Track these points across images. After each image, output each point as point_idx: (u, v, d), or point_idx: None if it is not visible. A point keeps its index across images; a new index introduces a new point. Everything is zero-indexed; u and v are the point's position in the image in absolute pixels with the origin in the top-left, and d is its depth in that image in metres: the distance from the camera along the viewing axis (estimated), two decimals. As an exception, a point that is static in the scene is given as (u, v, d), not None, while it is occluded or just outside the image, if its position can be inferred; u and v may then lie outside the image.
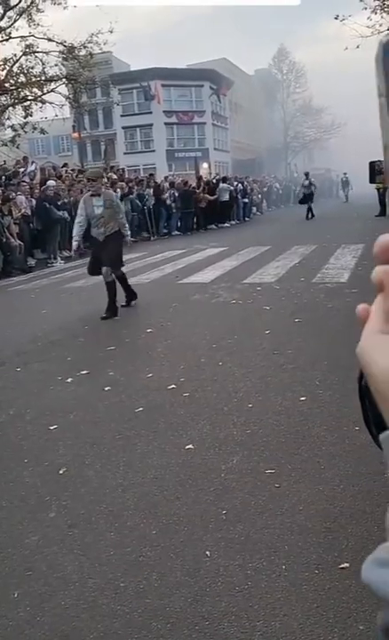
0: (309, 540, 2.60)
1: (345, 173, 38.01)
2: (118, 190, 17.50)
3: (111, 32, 20.82)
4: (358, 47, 18.33)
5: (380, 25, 17.67)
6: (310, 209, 22.63)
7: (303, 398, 4.27)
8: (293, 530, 2.69)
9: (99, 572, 2.49)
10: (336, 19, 18.38)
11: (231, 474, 3.27)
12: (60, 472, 3.43)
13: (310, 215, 22.47)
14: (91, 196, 7.38)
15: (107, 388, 4.80)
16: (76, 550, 2.65)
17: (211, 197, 21.44)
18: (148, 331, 6.59)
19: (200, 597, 2.29)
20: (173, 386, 4.72)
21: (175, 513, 2.89)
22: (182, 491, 3.12)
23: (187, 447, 3.64)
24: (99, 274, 7.57)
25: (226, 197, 22.98)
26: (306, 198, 22.72)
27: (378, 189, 19.47)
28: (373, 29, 17.82)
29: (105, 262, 7.41)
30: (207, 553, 2.55)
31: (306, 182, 22.99)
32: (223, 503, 2.97)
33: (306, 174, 23.88)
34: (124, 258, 7.93)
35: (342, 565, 2.40)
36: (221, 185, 23.10)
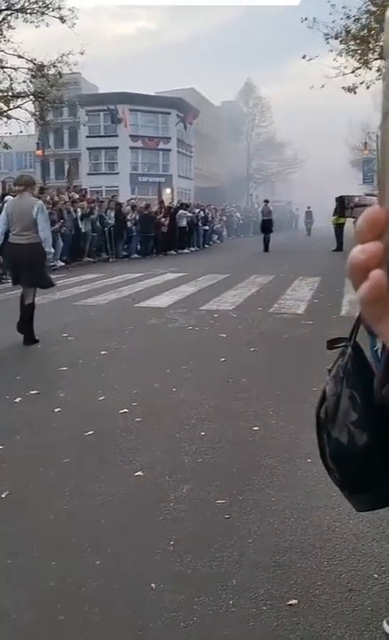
0: (258, 575, 2.54)
1: (308, 207, 39.14)
2: (78, 210, 17.44)
3: (82, 53, 20.93)
4: (323, 87, 18.91)
5: (345, 67, 18.31)
6: (267, 241, 22.26)
7: (256, 428, 4.24)
8: (242, 563, 2.63)
9: (38, 604, 2.36)
10: (303, 58, 18.93)
11: (180, 503, 3.20)
12: (2, 496, 3.28)
13: (267, 247, 22.34)
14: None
15: (56, 410, 4.67)
16: (15, 581, 2.52)
17: (166, 222, 21.48)
18: (102, 353, 6.49)
19: (143, 633, 2.19)
20: (125, 410, 4.63)
21: (121, 543, 2.79)
22: (129, 519, 3.03)
23: (137, 474, 3.54)
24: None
25: (184, 224, 23.10)
26: (266, 225, 22.46)
27: (335, 225, 19.96)
28: (338, 71, 18.44)
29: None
30: (152, 585, 2.46)
31: (266, 209, 22.98)
32: (171, 533, 2.88)
33: (266, 201, 24.05)
34: (83, 278, 7.83)
35: (290, 602, 2.34)
36: (180, 211, 23.25)
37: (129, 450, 3.90)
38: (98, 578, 2.51)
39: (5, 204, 6.80)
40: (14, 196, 8.01)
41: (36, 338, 6.92)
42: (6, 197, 14.83)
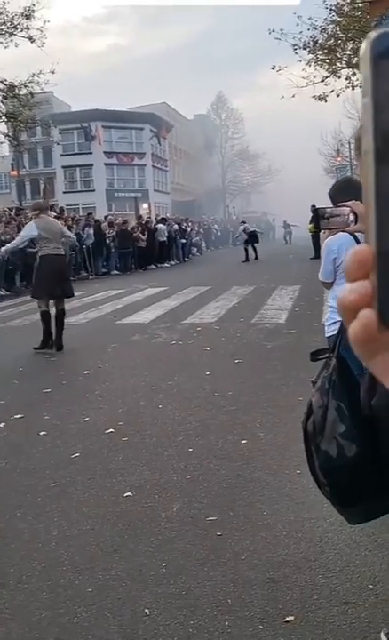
0: (252, 593, 2.50)
1: (285, 221, 40.14)
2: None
3: (53, 72, 20.95)
4: (294, 96, 19.13)
5: (314, 77, 18.55)
6: (254, 249, 22.86)
7: (244, 441, 4.22)
8: (236, 582, 2.59)
9: (29, 637, 2.30)
10: (272, 69, 19.15)
11: (171, 522, 3.16)
12: (-10, 525, 3.22)
13: (247, 258, 22.69)
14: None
15: (42, 433, 4.61)
16: (4, 614, 2.45)
17: (143, 237, 21.54)
18: (86, 373, 6.43)
19: (139, 661, 2.15)
20: (111, 430, 4.58)
21: (112, 567, 2.75)
22: (120, 542, 2.98)
23: (126, 495, 3.50)
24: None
25: (164, 238, 23.19)
26: (252, 239, 23.00)
27: (312, 233, 20.13)
28: (308, 80, 18.68)
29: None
30: (146, 611, 2.41)
31: (243, 228, 23.69)
32: (163, 555, 2.84)
33: (243, 222, 24.92)
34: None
35: (287, 619, 2.31)
36: (159, 226, 23.34)
37: (117, 470, 3.85)
38: (90, 606, 2.46)
39: (34, 224, 7.48)
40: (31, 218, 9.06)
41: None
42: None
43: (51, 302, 7.64)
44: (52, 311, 7.60)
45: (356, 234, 3.01)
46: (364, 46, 0.34)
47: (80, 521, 3.21)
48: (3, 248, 8.92)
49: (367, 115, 0.33)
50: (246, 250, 22.95)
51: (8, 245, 8.57)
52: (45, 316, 7.57)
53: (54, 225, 7.73)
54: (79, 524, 3.17)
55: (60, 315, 7.64)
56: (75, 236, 8.26)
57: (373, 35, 0.33)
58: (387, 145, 0.33)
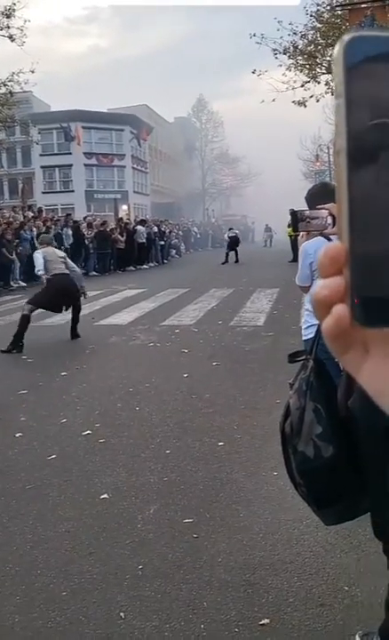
0: (228, 595, 2.50)
1: (267, 224, 40.76)
2: (34, 229, 17.27)
3: (32, 72, 20.82)
4: (274, 101, 19.24)
5: (294, 82, 18.67)
6: (235, 253, 23.29)
7: (221, 443, 4.22)
8: (212, 584, 2.59)
9: (3, 641, 2.28)
10: (253, 73, 19.23)
11: (148, 524, 3.14)
12: (-37, 528, 3.17)
13: (226, 260, 22.95)
14: None
15: (18, 435, 4.56)
16: (-22, 617, 2.42)
17: (122, 238, 21.52)
18: (63, 374, 6.38)
19: (113, 665, 2.13)
20: (88, 432, 4.55)
21: (88, 570, 2.72)
22: (96, 545, 2.96)
23: (102, 497, 3.48)
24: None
25: (143, 239, 23.18)
26: (233, 243, 23.49)
27: (290, 236, 20.26)
28: (288, 85, 18.79)
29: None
30: (121, 614, 2.39)
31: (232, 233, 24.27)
32: (139, 557, 2.83)
33: (230, 229, 25.61)
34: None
35: (262, 622, 2.31)
36: (138, 227, 23.31)
37: (93, 472, 3.82)
38: (65, 610, 2.43)
39: (40, 252, 8.43)
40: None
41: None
42: None
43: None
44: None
45: (333, 237, 3.03)
46: (337, 48, 0.34)
47: (55, 523, 3.18)
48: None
49: (340, 115, 0.34)
50: (227, 253, 23.17)
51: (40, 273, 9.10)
52: (24, 320, 7.76)
53: (53, 251, 8.54)
54: (54, 527, 3.14)
55: (75, 312, 8.38)
56: (79, 270, 8.90)
57: (346, 37, 0.34)
58: (359, 144, 0.33)
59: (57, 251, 8.74)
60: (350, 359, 0.38)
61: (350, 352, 0.37)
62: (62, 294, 8.12)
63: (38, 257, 8.36)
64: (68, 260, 8.55)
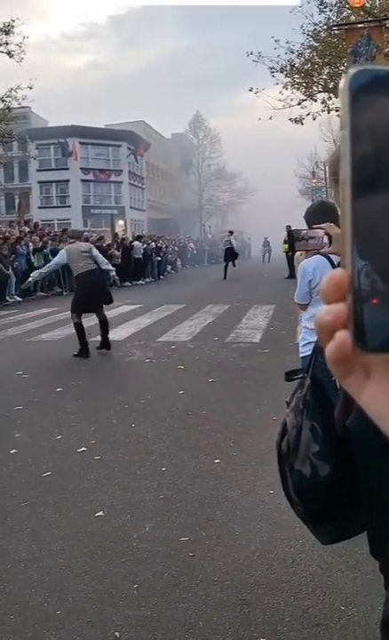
0: (224, 615, 2.48)
1: (266, 237, 40.93)
2: (30, 244, 17.32)
3: (31, 88, 21.02)
4: (270, 118, 19.42)
5: (291, 100, 18.87)
6: (233, 263, 22.98)
7: (217, 460, 4.21)
8: (208, 603, 2.57)
9: (-3, 661, 2.25)
10: (250, 91, 19.43)
11: (143, 542, 3.13)
12: None
13: (225, 277, 22.76)
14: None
15: (12, 451, 4.54)
16: (-29, 637, 2.40)
17: (119, 254, 21.55)
18: (58, 390, 6.37)
19: None
20: (83, 449, 4.53)
21: (82, 589, 2.70)
22: (91, 563, 2.94)
23: (97, 514, 3.46)
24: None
25: (139, 255, 23.25)
26: (230, 256, 23.09)
27: (286, 253, 20.35)
28: (284, 103, 18.98)
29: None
30: (116, 634, 2.37)
31: (230, 240, 23.73)
32: (134, 576, 2.81)
33: (230, 232, 25.02)
34: (37, 313, 7.87)
35: (258, 642, 2.29)
36: (135, 243, 23.40)
37: (88, 490, 3.81)
38: (59, 630, 2.41)
39: (64, 251, 8.32)
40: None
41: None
42: None
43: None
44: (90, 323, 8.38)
45: (330, 255, 3.06)
46: (343, 81, 0.36)
47: (50, 541, 3.16)
48: (35, 272, 9.45)
49: (345, 146, 0.35)
50: (226, 267, 23.04)
51: (41, 270, 9.36)
52: (77, 326, 8.15)
53: (78, 246, 8.32)
54: (49, 545, 3.12)
55: (102, 324, 8.36)
56: (102, 257, 8.55)
57: (352, 71, 0.35)
58: (363, 175, 0.34)
59: (81, 245, 8.43)
60: (352, 383, 0.39)
61: (352, 376, 0.38)
62: (89, 292, 8.11)
63: (58, 259, 8.35)
64: (93, 252, 8.30)
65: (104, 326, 8.38)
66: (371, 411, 0.38)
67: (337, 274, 0.37)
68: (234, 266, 22.94)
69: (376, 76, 0.35)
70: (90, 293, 8.13)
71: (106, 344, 8.40)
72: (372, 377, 0.38)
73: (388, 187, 0.34)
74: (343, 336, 0.36)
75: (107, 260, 8.67)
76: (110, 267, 8.63)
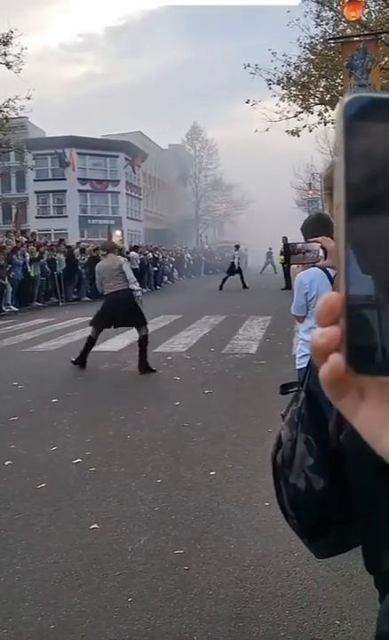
0: (219, 629, 2.47)
1: (270, 248, 40.77)
2: (27, 254, 17.33)
3: (29, 98, 21.11)
4: (267, 130, 19.54)
5: (287, 112, 18.99)
6: (243, 284, 23.06)
7: (213, 472, 4.20)
8: (202, 617, 2.56)
9: (-11, 676, 2.24)
10: (247, 103, 19.56)
11: (138, 555, 3.11)
12: None
13: (221, 287, 22.85)
14: None
15: (7, 463, 4.52)
16: (-36, 652, 2.38)
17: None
18: (54, 401, 6.35)
19: None
20: (79, 460, 4.52)
21: (76, 603, 2.68)
22: (85, 576, 2.92)
23: (92, 527, 3.44)
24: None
25: (136, 265, 23.29)
26: (232, 270, 23.19)
27: (283, 264, 20.41)
28: (281, 115, 19.10)
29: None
30: (110, 648, 2.36)
31: (234, 254, 24.07)
32: (128, 589, 2.79)
33: (237, 246, 25.46)
34: (33, 323, 7.83)
35: (253, 657, 2.28)
36: (131, 253, 23.47)
37: (83, 502, 3.79)
38: (52, 643, 2.40)
39: (97, 268, 8.18)
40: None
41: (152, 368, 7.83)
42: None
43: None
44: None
45: (327, 268, 3.08)
46: (338, 108, 0.37)
47: (43, 554, 3.14)
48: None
49: (339, 172, 0.36)
50: (224, 279, 23.11)
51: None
52: (89, 340, 8.05)
53: (110, 263, 7.98)
54: (43, 558, 3.10)
55: (142, 342, 7.94)
56: (136, 285, 8.18)
57: (346, 98, 0.36)
58: (357, 200, 0.35)
59: (115, 262, 7.99)
60: (346, 404, 0.39)
61: (345, 397, 0.39)
62: (115, 310, 7.85)
63: (97, 275, 8.04)
64: (125, 269, 7.89)
65: (143, 345, 7.96)
66: (365, 433, 0.38)
67: (332, 297, 0.37)
68: (245, 286, 22.89)
69: (370, 102, 0.35)
70: (117, 310, 7.82)
71: (142, 365, 7.83)
72: (366, 399, 0.38)
73: (381, 211, 0.35)
74: (336, 359, 0.37)
75: (135, 279, 8.21)
76: (137, 286, 8.17)
